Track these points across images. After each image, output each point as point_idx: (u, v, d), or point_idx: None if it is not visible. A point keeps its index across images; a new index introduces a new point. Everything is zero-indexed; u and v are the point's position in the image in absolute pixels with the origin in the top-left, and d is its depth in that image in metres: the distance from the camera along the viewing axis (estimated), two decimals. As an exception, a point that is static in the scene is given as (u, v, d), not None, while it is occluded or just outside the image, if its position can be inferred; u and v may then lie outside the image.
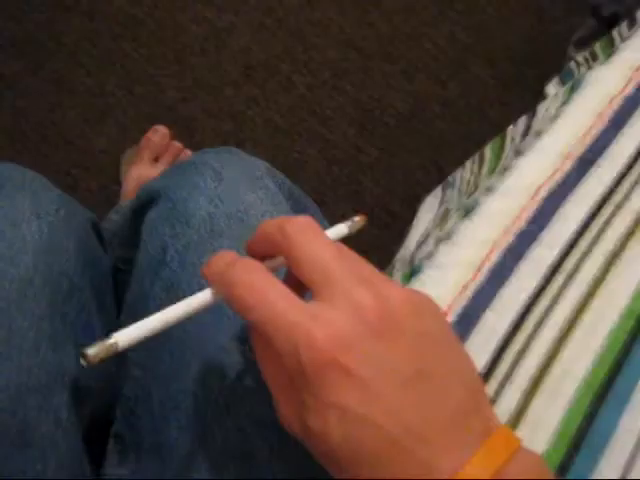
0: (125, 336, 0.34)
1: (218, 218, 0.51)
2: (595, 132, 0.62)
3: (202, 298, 0.36)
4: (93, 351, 0.32)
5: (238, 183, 0.53)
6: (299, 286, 0.34)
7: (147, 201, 0.56)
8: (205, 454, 0.44)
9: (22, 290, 0.46)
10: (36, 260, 0.48)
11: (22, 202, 0.50)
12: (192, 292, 0.48)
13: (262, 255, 0.38)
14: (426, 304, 0.34)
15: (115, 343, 0.33)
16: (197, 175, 0.54)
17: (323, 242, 0.34)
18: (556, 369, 0.52)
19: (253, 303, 0.32)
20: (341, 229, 0.42)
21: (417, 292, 0.34)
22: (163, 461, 0.46)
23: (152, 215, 0.55)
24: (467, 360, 0.35)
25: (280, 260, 0.37)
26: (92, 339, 0.53)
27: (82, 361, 0.32)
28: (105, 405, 0.55)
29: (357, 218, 0.43)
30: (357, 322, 0.31)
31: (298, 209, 0.60)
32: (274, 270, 0.36)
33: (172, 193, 0.54)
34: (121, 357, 0.56)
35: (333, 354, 0.30)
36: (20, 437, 0.43)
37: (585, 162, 0.60)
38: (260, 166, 0.57)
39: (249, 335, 0.37)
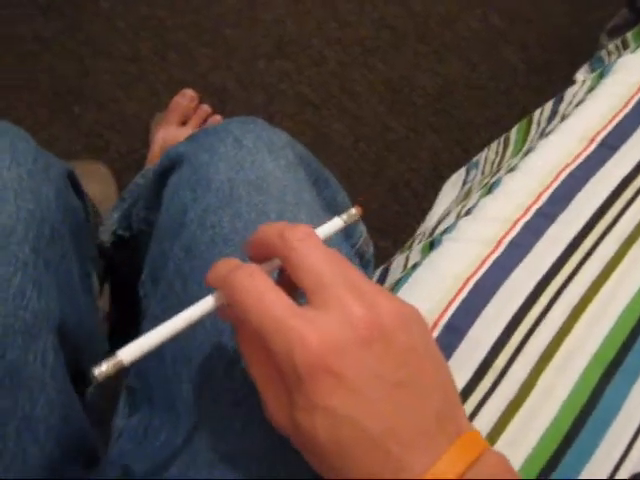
0: (130, 353, 0.35)
1: (238, 184, 0.52)
2: (620, 117, 0.63)
3: (201, 307, 0.38)
4: (100, 371, 0.34)
5: (258, 151, 0.54)
6: (291, 285, 0.37)
7: (170, 166, 0.58)
8: (215, 407, 0.45)
9: (6, 237, 0.47)
10: (18, 207, 0.49)
11: (2, 150, 0.51)
12: (210, 254, 0.50)
13: (259, 256, 0.39)
14: (414, 317, 0.37)
15: (120, 361, 0.35)
16: (218, 141, 0.55)
17: (320, 252, 0.36)
18: (567, 344, 0.53)
19: (253, 306, 0.34)
20: (337, 223, 0.43)
21: (406, 304, 0.37)
22: (173, 414, 0.47)
23: (174, 179, 0.56)
24: (446, 372, 0.37)
25: (276, 263, 0.39)
26: (72, 287, 0.56)
27: (92, 380, 0.34)
28: (91, 352, 0.57)
29: (353, 210, 0.43)
30: (349, 331, 0.33)
31: (318, 182, 0.61)
32: (270, 272, 0.39)
33: (194, 158, 0.55)
34: (137, 308, 0.58)
35: (325, 358, 0.33)
36: (9, 378, 0.44)
37: (608, 146, 0.61)
38: (282, 137, 0.58)
39: (236, 338, 0.39)
